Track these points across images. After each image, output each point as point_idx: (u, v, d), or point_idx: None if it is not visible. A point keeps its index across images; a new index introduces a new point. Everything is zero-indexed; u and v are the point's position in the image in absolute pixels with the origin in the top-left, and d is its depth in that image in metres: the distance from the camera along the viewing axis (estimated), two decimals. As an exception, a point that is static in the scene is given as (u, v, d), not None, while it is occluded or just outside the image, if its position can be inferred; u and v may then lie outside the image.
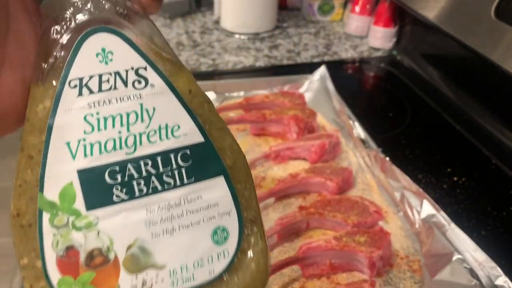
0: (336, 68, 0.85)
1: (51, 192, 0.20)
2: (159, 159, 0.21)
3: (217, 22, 1.02)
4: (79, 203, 0.20)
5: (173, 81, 0.22)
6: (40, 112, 0.20)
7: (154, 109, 0.21)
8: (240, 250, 0.23)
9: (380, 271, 0.44)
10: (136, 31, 0.21)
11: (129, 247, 0.21)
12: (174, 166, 0.21)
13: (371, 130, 0.63)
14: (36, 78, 0.21)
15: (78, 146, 0.20)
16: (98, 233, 0.20)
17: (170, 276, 0.21)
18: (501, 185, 0.58)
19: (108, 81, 0.20)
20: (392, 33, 0.91)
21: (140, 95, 0.21)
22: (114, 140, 0.20)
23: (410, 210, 0.50)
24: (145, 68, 0.21)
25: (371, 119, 0.69)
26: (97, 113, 0.20)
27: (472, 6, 0.67)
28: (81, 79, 0.20)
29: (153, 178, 0.21)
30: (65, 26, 0.20)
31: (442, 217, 0.47)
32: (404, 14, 0.88)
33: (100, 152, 0.20)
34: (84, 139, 0.20)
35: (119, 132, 0.20)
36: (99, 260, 0.20)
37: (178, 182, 0.21)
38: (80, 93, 0.20)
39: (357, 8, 0.95)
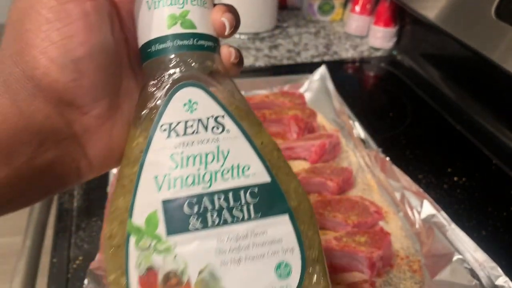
0: (336, 68, 0.85)
1: (139, 218, 0.23)
2: (230, 194, 0.24)
3: (217, 22, 1.02)
4: (161, 229, 0.23)
5: (247, 130, 0.25)
6: (135, 149, 0.24)
7: (228, 151, 0.24)
8: (303, 287, 0.24)
9: (380, 272, 0.44)
10: (219, 87, 0.25)
11: (200, 272, 0.23)
12: (243, 201, 0.24)
13: (371, 130, 0.63)
14: (134, 122, 0.25)
15: (164, 179, 0.23)
16: (175, 257, 0.23)
17: None
18: (502, 185, 0.58)
19: (192, 126, 0.24)
20: (392, 33, 0.91)
21: (217, 138, 0.24)
22: (194, 176, 0.23)
23: (410, 210, 0.50)
24: (223, 116, 0.25)
25: (371, 119, 0.69)
26: (182, 153, 0.24)
27: (472, 6, 0.67)
28: (170, 124, 0.24)
29: (225, 211, 0.23)
30: (161, 82, 0.25)
31: (442, 217, 0.47)
32: (404, 14, 0.88)
33: (182, 186, 0.23)
34: (169, 174, 0.23)
35: (198, 169, 0.24)
36: (174, 281, 0.23)
37: (246, 216, 0.24)
38: (169, 136, 0.24)
39: (357, 8, 0.95)
